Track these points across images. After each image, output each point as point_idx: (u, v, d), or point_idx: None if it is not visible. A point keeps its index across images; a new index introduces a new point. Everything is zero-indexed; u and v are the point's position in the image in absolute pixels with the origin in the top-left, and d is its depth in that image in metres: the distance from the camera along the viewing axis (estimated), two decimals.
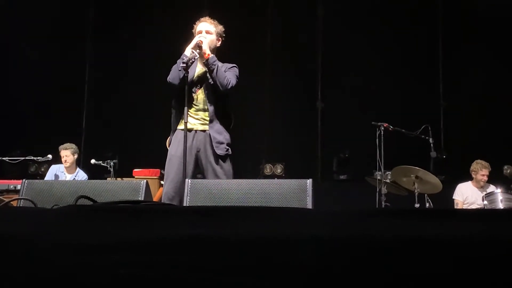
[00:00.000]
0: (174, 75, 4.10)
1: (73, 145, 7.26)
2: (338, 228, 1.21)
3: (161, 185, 5.03)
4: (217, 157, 4.08)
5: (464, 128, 8.14)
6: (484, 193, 6.62)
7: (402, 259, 0.96)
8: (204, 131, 4.14)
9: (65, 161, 7.11)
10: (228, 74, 4.14)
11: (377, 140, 6.09)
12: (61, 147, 7.18)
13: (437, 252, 0.97)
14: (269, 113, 8.81)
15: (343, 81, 8.65)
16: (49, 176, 7.20)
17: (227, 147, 4.13)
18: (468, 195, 6.82)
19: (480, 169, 6.79)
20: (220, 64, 4.15)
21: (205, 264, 1.02)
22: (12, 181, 6.42)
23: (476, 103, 8.14)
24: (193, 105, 4.16)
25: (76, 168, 7.29)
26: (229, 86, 4.10)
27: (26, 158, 7.17)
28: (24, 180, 3.24)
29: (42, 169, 8.05)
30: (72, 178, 7.10)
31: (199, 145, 4.12)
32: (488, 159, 6.94)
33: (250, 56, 8.22)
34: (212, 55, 4.14)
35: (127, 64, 8.85)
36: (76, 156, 7.24)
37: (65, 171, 7.19)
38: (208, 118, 4.15)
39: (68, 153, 7.12)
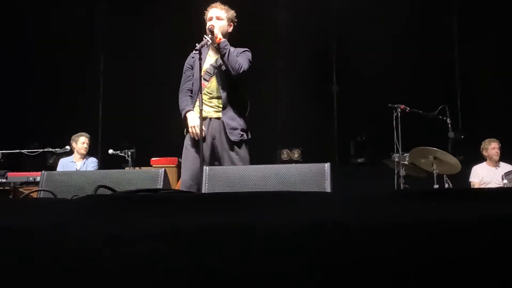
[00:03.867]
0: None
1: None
2: (361, 212, 1.20)
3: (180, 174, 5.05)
4: (232, 144, 4.07)
5: (481, 107, 8.05)
6: (499, 169, 6.64)
7: (430, 243, 0.94)
8: (218, 118, 4.13)
9: (86, 147, 7.36)
10: (240, 58, 4.12)
11: (394, 122, 6.06)
12: (78, 134, 7.36)
13: (469, 235, 0.96)
14: (284, 98, 8.78)
15: (358, 64, 8.56)
16: (60, 170, 7.29)
17: (242, 133, 4.12)
18: (483, 175, 6.84)
19: (489, 143, 6.89)
20: (232, 48, 4.14)
21: (226, 252, 1.01)
22: (31, 173, 6.46)
23: (494, 82, 8.03)
24: (207, 93, 4.16)
25: (85, 156, 7.44)
26: (241, 70, 4.08)
27: (45, 150, 7.24)
28: (43, 171, 3.26)
29: None
30: (83, 164, 7.23)
31: (214, 133, 4.11)
32: (507, 138, 6.90)
33: (264, 40, 8.18)
34: (224, 39, 4.13)
35: (143, 53, 8.85)
36: None
37: (74, 160, 7.31)
38: (222, 105, 4.14)
39: (87, 140, 7.41)
